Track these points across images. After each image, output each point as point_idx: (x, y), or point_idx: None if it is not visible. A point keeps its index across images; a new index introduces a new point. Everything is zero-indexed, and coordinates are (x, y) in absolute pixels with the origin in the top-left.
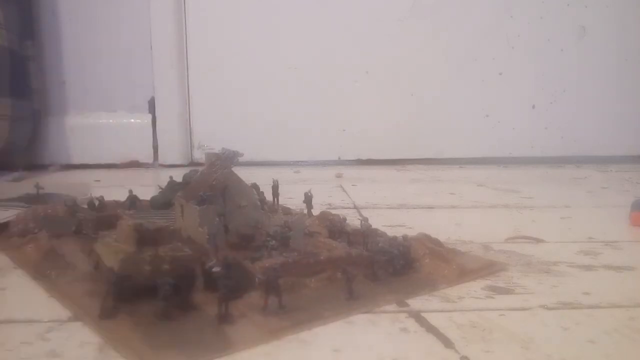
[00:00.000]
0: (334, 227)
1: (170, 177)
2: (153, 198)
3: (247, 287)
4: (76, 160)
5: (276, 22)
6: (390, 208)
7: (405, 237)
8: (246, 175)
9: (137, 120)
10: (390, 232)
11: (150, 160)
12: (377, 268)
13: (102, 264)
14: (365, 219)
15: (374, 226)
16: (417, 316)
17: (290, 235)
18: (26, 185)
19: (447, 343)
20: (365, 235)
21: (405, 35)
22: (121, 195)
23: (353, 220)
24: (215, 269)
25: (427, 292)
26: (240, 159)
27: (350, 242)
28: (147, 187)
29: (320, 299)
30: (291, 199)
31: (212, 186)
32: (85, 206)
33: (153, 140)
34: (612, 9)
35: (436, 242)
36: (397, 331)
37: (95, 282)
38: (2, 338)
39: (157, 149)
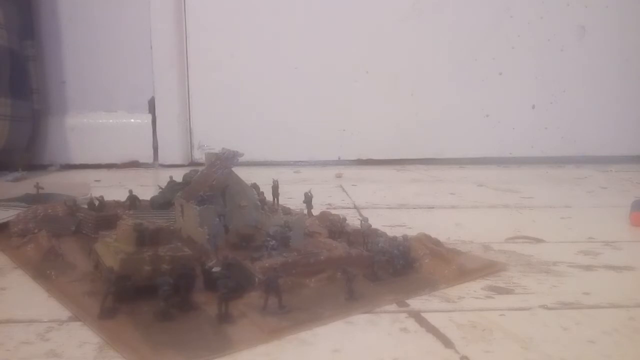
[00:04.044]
0: (334, 227)
1: (170, 177)
2: (153, 198)
3: (247, 287)
4: (76, 160)
5: (276, 22)
6: (390, 208)
7: (405, 237)
8: (246, 175)
9: (137, 120)
10: (390, 232)
11: (150, 160)
12: (377, 268)
13: (102, 264)
14: (365, 219)
15: (374, 226)
16: (417, 316)
17: (290, 235)
18: (26, 185)
19: (447, 343)
20: (365, 235)
21: (405, 35)
22: (121, 195)
23: (353, 220)
24: (215, 269)
25: (427, 292)
26: (240, 159)
27: (350, 242)
28: (147, 187)
29: (320, 299)
30: (291, 199)
31: (212, 186)
32: (85, 206)
33: (153, 140)
34: (612, 9)
35: (436, 242)
36: (397, 331)
37: (95, 282)
38: (2, 338)
39: (157, 149)
